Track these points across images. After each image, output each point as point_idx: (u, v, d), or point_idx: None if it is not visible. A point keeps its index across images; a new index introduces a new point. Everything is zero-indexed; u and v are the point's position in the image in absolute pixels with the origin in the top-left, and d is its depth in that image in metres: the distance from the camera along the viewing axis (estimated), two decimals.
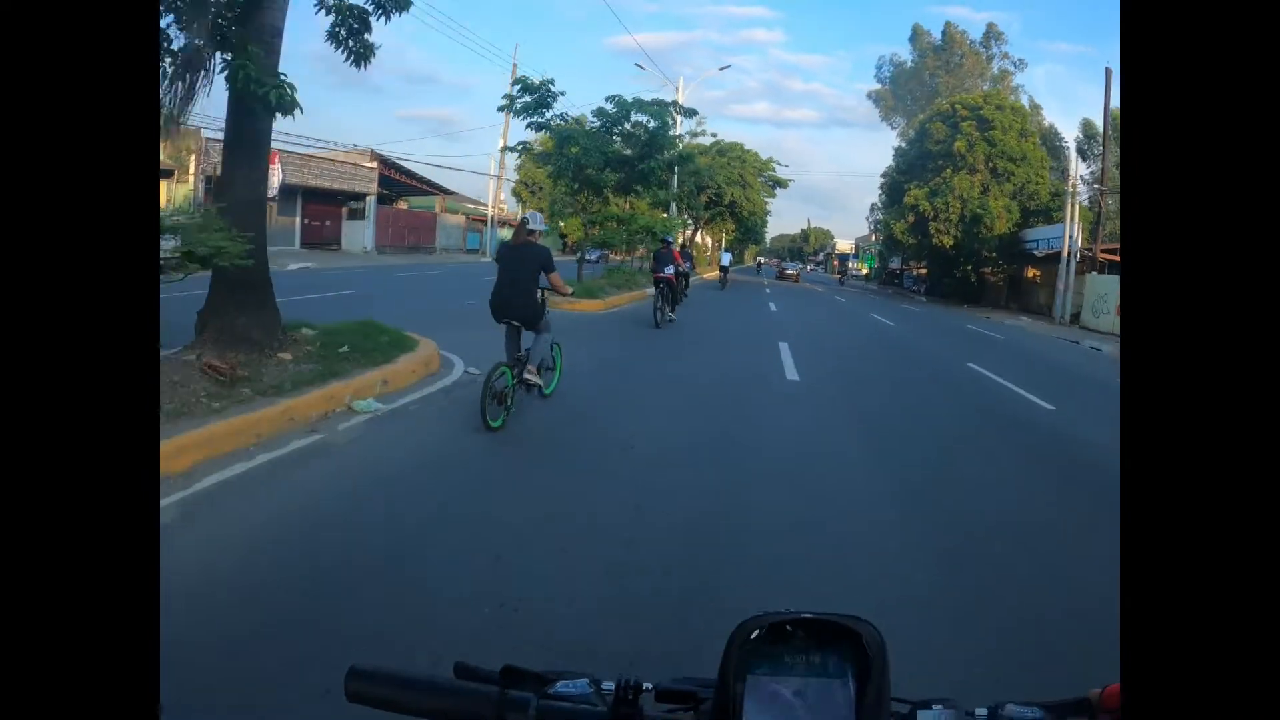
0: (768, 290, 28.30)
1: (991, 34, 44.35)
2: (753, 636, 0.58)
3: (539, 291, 5.17)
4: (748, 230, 46.40)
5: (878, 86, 47.80)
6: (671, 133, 17.18)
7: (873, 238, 64.64)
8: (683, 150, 18.97)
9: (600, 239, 18.48)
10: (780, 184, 40.68)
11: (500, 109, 15.70)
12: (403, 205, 36.84)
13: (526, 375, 4.94)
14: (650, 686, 0.64)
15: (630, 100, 15.82)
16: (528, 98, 14.87)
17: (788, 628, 0.59)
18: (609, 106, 15.86)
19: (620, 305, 14.90)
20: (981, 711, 0.63)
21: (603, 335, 10.15)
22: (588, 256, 18.63)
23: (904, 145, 36.01)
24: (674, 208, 26.56)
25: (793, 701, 0.57)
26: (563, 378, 5.88)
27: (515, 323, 5.11)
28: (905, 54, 46.54)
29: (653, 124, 16.13)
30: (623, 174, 16.59)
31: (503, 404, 4.69)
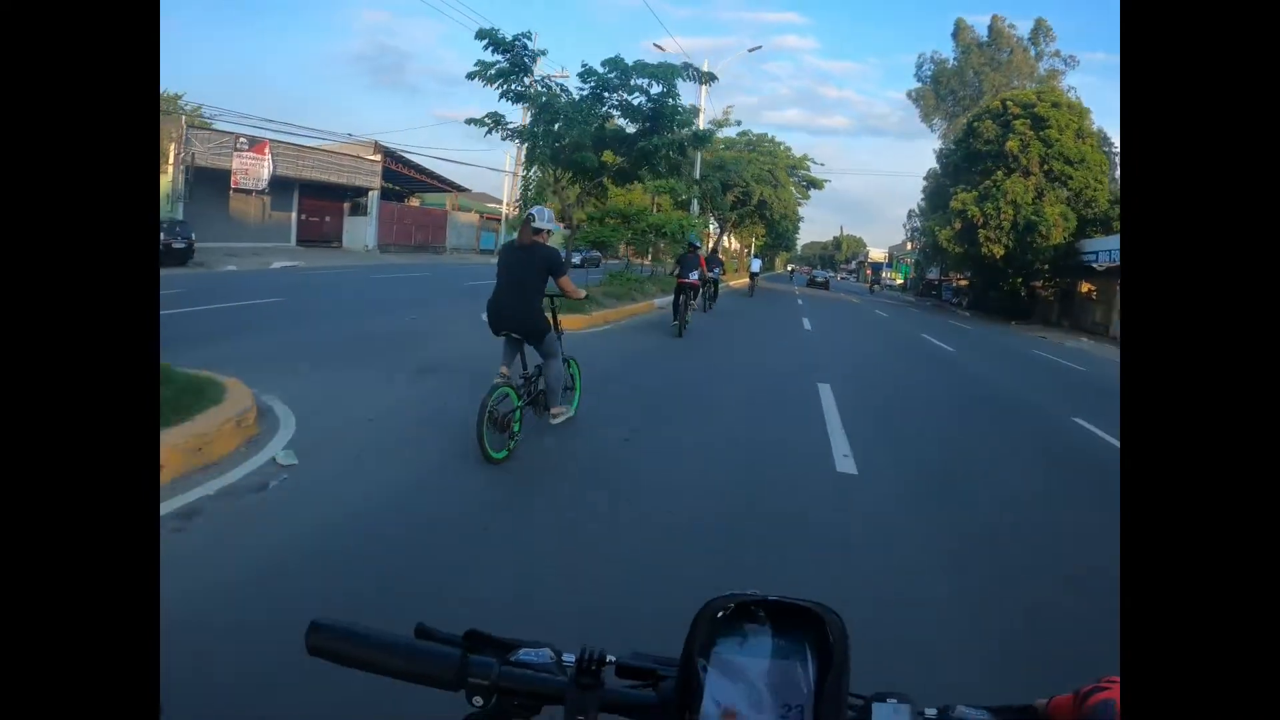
0: (799, 301, 25.17)
1: (1040, 30, 41.43)
2: (719, 616, 0.59)
3: (548, 302, 4.53)
4: (778, 235, 43.99)
5: (918, 85, 44.94)
6: (684, 102, 13.23)
7: (909, 246, 62.58)
8: (699, 129, 14.81)
9: (594, 237, 15.24)
10: (815, 184, 37.05)
11: (470, 76, 11.72)
12: (414, 202, 35.26)
13: (552, 419, 4.52)
14: (612, 660, 0.63)
15: (631, 63, 12.06)
16: (501, 60, 11.46)
17: (753, 609, 0.59)
18: (603, 69, 12.10)
19: (615, 321, 11.70)
20: (932, 711, 0.62)
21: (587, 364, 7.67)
22: (573, 260, 14.65)
23: (948, 146, 33.26)
24: (695, 205, 24.24)
25: (754, 681, 0.57)
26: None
27: (516, 335, 4.42)
28: (947, 52, 43.69)
29: (656, 89, 12.28)
30: (623, 156, 13.09)
31: (506, 431, 4.05)
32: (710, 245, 32.77)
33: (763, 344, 11.97)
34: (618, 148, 13.01)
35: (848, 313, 23.24)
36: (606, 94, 12.40)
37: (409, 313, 10.16)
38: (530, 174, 13.16)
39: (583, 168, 12.42)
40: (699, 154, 24.83)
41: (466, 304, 10.81)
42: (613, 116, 12.90)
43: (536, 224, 4.30)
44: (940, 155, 33.67)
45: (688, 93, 18.50)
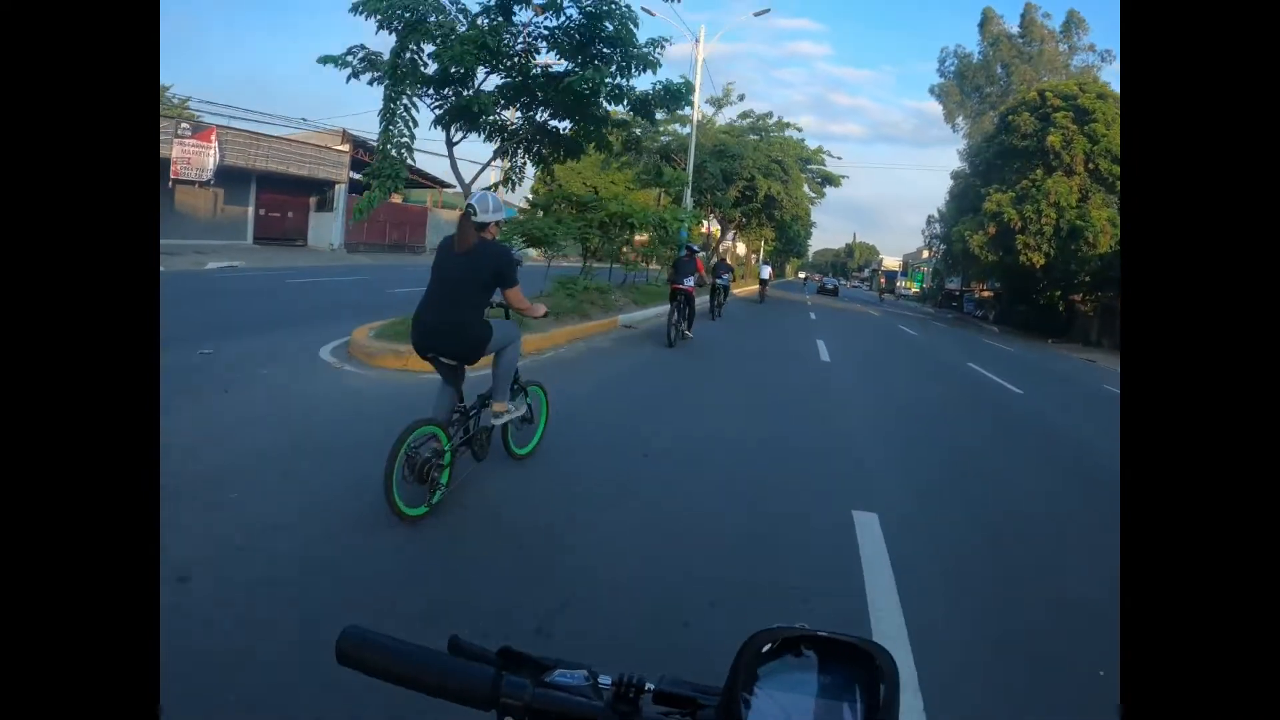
0: (813, 315, 20.92)
1: (1072, 22, 38.43)
2: (764, 650, 0.57)
3: (502, 314, 3.67)
4: (789, 240, 40.84)
5: (940, 81, 41.97)
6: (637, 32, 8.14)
7: (926, 253, 59.78)
8: (649, 54, 8.22)
9: (535, 230, 10.34)
10: (831, 181, 31.17)
11: (353, 9, 7.57)
12: (395, 199, 32.83)
13: (493, 418, 3.54)
14: (650, 686, 0.61)
15: None
16: None
17: (801, 644, 0.58)
18: None
19: (554, 348, 8.32)
20: None
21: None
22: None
23: (977, 143, 30.12)
24: (688, 196, 21.02)
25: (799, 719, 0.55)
26: None
27: (447, 360, 3.33)
28: (971, 46, 40.74)
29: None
30: (549, 108, 8.76)
31: (426, 481, 3.01)
32: (715, 248, 29.25)
33: (763, 388, 7.83)
34: (548, 97, 8.58)
35: (870, 330, 19.84)
36: (517, 6, 8.03)
37: (229, 341, 6.79)
38: (392, 130, 8.11)
39: (469, 114, 8.25)
40: (693, 135, 21.39)
41: (344, 322, 8.12)
42: (534, 51, 8.44)
43: (478, 217, 3.30)
44: (968, 153, 30.54)
45: (679, 65, 15.33)
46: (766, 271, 26.79)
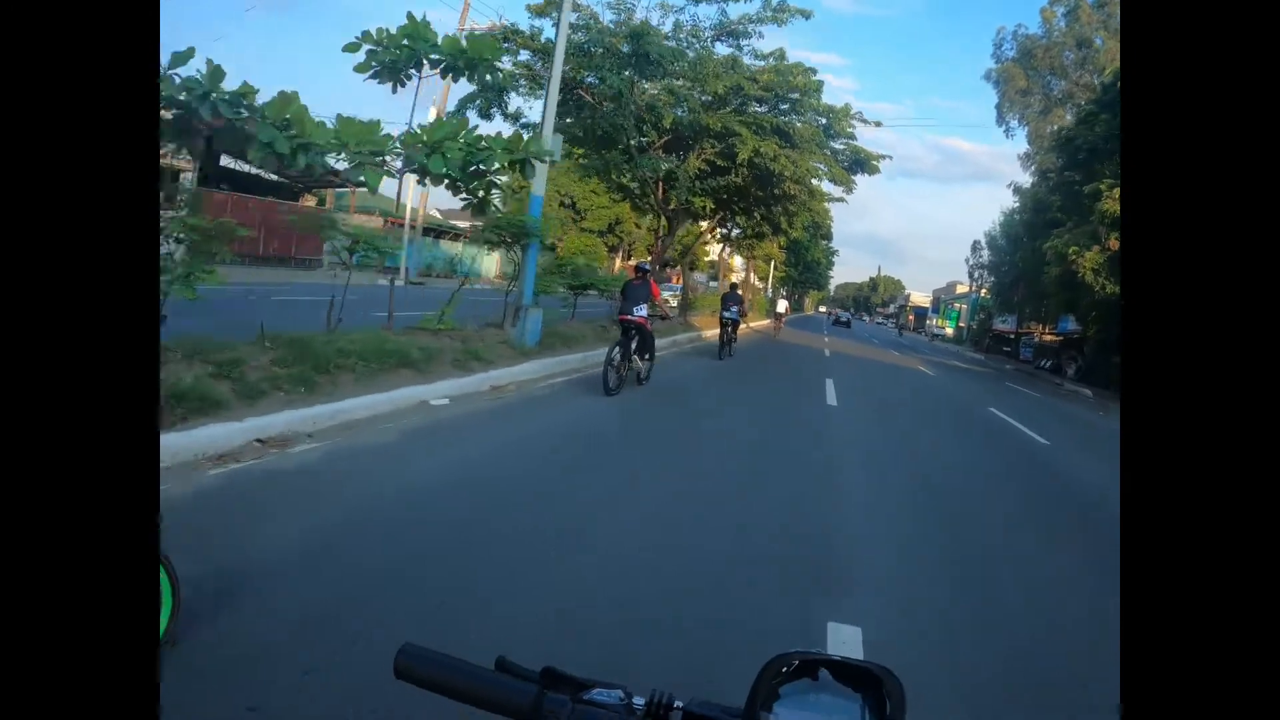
0: (829, 386, 11.43)
1: None
2: (783, 671, 0.62)
3: None
4: (806, 266, 33.36)
5: (996, 66, 33.84)
6: None
7: (965, 288, 52.27)
8: None
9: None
10: (865, 165, 17.29)
11: None
12: (309, 201, 26.47)
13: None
14: (680, 705, 0.65)
15: None
16: None
17: (815, 667, 0.63)
18: None
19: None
20: None
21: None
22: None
23: (1072, 126, 21.37)
24: (547, 127, 9.49)
25: None
26: None
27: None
28: (1033, 26, 32.94)
29: None
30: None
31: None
32: (722, 273, 22.86)
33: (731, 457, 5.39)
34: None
35: (916, 391, 13.34)
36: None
37: None
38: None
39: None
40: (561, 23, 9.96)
41: None
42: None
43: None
44: (1059, 139, 22.13)
45: None
46: (782, 306, 24.97)
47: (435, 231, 31.21)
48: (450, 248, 30.34)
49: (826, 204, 19.66)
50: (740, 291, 15.38)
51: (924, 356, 26.35)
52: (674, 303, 19.13)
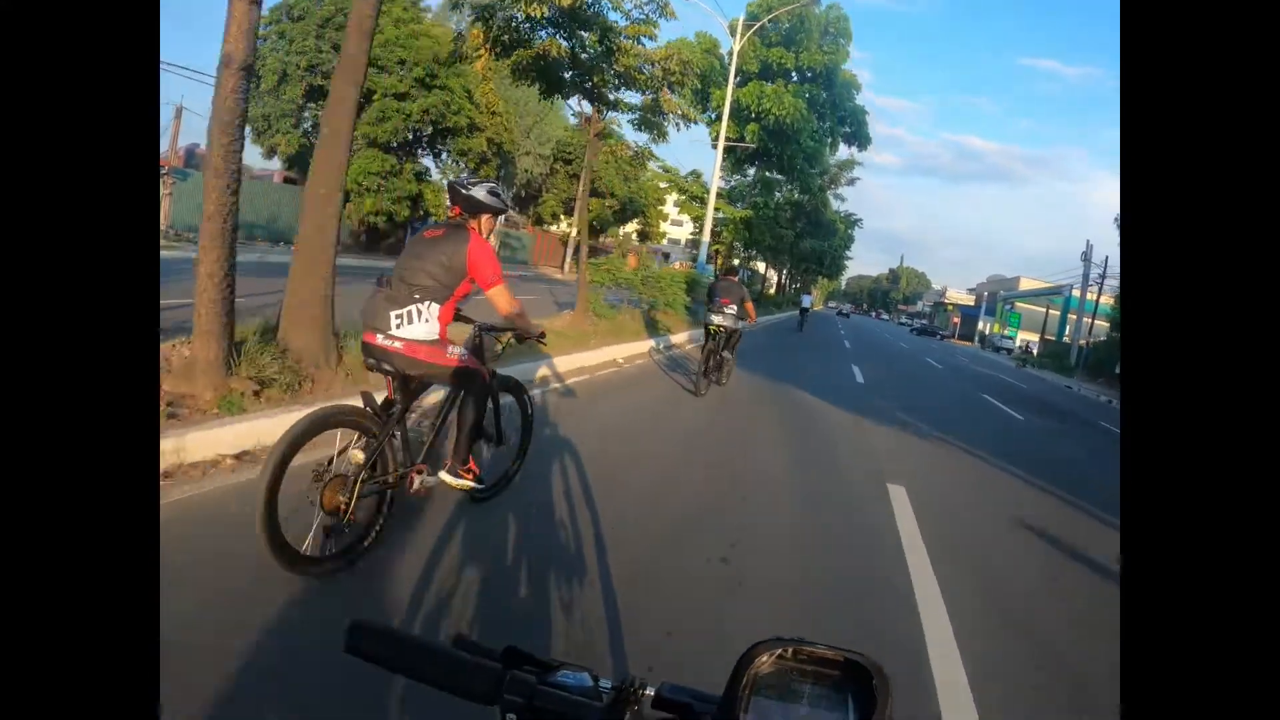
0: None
1: None
2: (763, 659, 0.59)
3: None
4: (809, 227, 24.53)
5: None
6: None
7: (1096, 296, 29.59)
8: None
9: None
10: (858, 137, 15.53)
11: None
12: None
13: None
14: (650, 690, 0.63)
15: None
16: None
17: (798, 655, 0.59)
18: None
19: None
20: None
21: None
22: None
23: None
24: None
25: None
26: None
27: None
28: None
29: None
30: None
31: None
32: (717, 256, 18.65)
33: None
34: None
35: None
36: None
37: None
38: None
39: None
40: None
41: None
42: None
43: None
44: None
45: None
46: (808, 300, 24.86)
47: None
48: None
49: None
50: (736, 279, 8.30)
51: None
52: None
